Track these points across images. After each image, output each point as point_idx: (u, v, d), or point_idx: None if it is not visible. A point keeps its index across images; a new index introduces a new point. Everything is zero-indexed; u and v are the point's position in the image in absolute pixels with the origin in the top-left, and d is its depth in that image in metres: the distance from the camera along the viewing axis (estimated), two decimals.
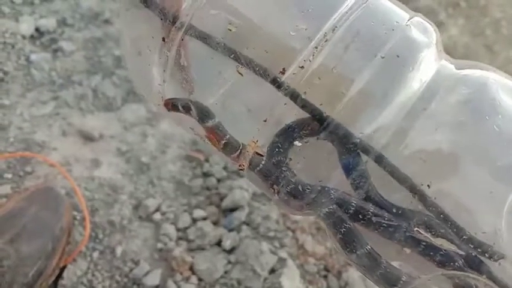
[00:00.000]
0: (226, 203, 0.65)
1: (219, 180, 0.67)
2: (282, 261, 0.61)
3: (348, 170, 0.24)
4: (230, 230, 0.63)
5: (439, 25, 1.07)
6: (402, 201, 0.24)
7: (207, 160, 0.69)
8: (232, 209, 0.65)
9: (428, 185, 0.23)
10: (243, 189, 0.66)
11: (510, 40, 1.14)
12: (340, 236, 0.24)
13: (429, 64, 0.25)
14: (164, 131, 0.71)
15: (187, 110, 0.27)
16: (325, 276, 0.62)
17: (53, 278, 0.54)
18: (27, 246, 0.51)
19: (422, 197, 0.23)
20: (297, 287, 0.59)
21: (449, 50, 1.04)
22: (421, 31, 0.26)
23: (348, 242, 0.24)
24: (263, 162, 0.25)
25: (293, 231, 0.64)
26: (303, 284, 0.60)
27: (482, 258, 0.23)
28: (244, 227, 0.63)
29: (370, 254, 0.24)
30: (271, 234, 0.63)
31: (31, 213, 0.53)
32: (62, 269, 0.56)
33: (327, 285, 0.62)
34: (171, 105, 0.28)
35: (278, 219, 0.65)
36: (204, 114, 0.26)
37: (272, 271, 0.60)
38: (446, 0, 1.13)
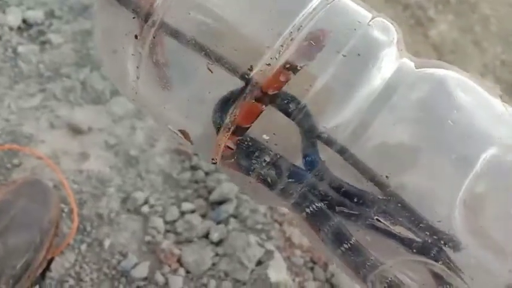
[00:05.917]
0: (214, 196, 0.65)
1: (207, 174, 0.68)
2: (269, 253, 0.61)
3: (308, 166, 0.26)
4: (218, 223, 0.63)
5: (429, 21, 1.07)
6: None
7: (195, 153, 0.70)
8: (220, 202, 0.65)
9: (386, 176, 0.24)
10: (231, 182, 0.66)
11: (499, 37, 1.15)
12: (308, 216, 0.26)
13: (390, 62, 0.27)
14: (153, 125, 0.71)
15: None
16: (312, 268, 0.63)
17: (41, 270, 0.54)
18: (14, 238, 0.51)
19: (383, 188, 0.24)
20: (284, 279, 0.60)
21: (438, 46, 1.05)
22: (382, 30, 0.27)
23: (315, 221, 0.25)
24: (234, 156, 0.26)
25: (280, 224, 0.65)
26: (289, 276, 0.61)
27: (437, 245, 0.24)
28: (232, 219, 0.64)
29: (339, 229, 0.25)
30: (259, 226, 0.64)
31: (19, 205, 0.53)
32: (50, 261, 0.56)
33: (314, 276, 0.63)
34: None
35: (266, 212, 0.65)
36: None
37: (259, 263, 0.61)
38: None
